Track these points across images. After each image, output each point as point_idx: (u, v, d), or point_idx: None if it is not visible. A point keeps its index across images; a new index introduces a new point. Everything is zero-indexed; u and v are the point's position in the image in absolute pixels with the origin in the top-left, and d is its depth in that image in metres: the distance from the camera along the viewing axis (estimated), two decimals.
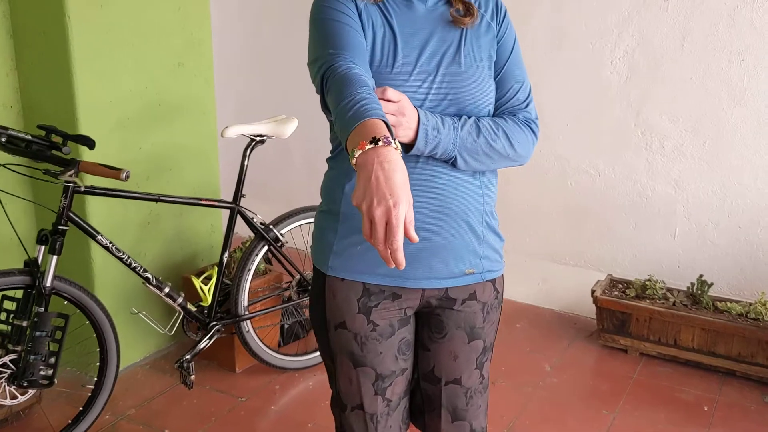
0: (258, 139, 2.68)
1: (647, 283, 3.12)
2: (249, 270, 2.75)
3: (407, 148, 1.39)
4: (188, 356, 2.58)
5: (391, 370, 1.53)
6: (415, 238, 1.10)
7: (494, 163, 1.48)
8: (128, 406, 2.71)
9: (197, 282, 2.69)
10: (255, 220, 2.74)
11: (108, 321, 2.41)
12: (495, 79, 1.50)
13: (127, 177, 2.10)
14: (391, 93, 1.34)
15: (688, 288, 3.11)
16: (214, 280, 2.71)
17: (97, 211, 2.73)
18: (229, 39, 4.33)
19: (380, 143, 1.10)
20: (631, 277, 3.35)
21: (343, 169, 1.48)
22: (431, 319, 1.57)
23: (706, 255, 3.28)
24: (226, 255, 2.70)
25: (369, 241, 1.10)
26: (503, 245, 1.60)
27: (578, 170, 3.48)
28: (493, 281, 1.58)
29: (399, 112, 1.34)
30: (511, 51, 1.52)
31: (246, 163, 2.70)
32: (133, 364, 3.00)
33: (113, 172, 2.11)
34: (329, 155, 1.55)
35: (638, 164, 3.36)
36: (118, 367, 2.48)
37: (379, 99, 1.30)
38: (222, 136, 2.59)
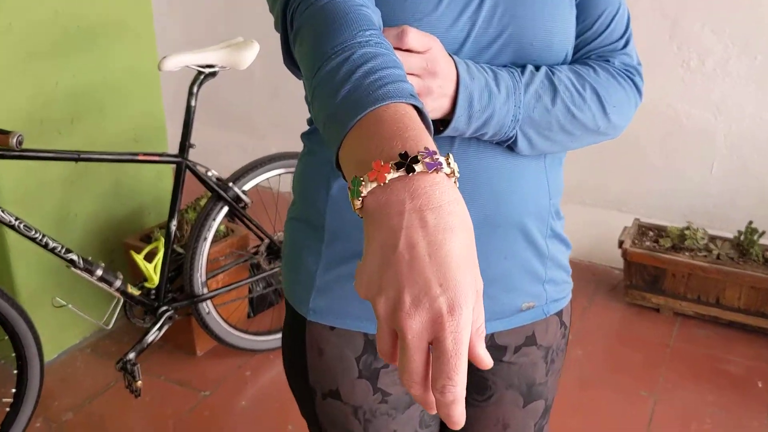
0: (208, 71, 2.06)
1: (686, 231, 2.62)
2: (205, 239, 2.18)
3: (439, 124, 0.82)
4: (131, 355, 2.04)
5: None
6: (489, 363, 0.55)
7: (574, 142, 0.92)
8: (65, 408, 2.19)
9: (139, 259, 2.12)
10: (209, 175, 2.15)
11: (21, 316, 1.86)
12: (576, 3, 0.91)
13: (20, 143, 1.49)
14: (413, 37, 0.75)
15: (734, 237, 2.63)
16: (160, 254, 2.14)
17: (5, 173, 2.12)
18: None
19: (418, 167, 0.53)
20: (659, 221, 2.86)
21: (327, 157, 0.91)
22: (471, 377, 1.02)
23: (753, 194, 2.77)
24: (174, 223, 2.12)
25: (391, 364, 0.56)
26: (569, 253, 1.07)
27: None
28: (559, 313, 1.05)
29: (428, 70, 0.77)
30: None
31: (194, 103, 2.08)
32: (70, 347, 2.47)
33: (1, 137, 1.50)
34: (305, 130, 0.98)
35: (672, 85, 2.79)
36: (42, 368, 1.94)
37: (394, 48, 0.71)
38: (159, 69, 1.97)
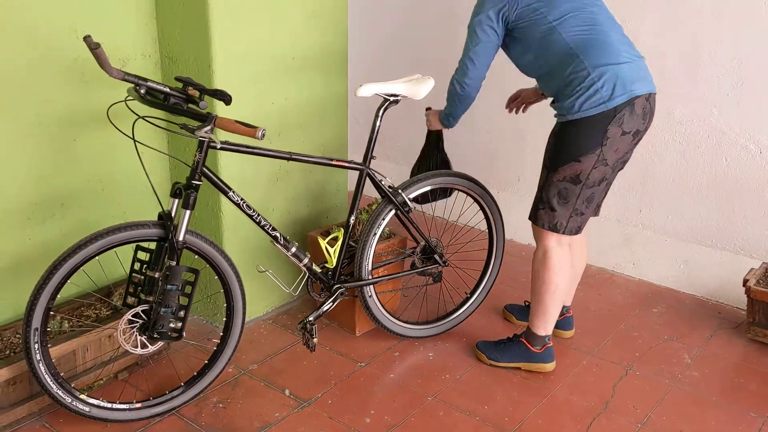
0: (392, 99, 2.57)
1: None
2: (375, 234, 2.66)
3: None
4: (311, 318, 2.54)
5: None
6: None
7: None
8: (251, 361, 2.72)
9: (323, 243, 2.63)
10: (383, 182, 2.64)
11: (236, 278, 2.40)
12: None
13: (263, 135, 2.03)
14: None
15: None
16: (340, 242, 2.64)
17: (228, 165, 2.71)
18: None
19: None
20: None
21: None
22: None
23: None
24: (353, 217, 2.63)
25: None
26: None
27: (735, 144, 3.14)
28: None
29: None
30: None
31: (378, 123, 2.59)
32: (256, 318, 3.02)
33: (249, 129, 2.05)
34: None
35: None
36: (243, 323, 2.48)
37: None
38: (356, 94, 2.49)
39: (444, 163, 2.91)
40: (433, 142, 2.89)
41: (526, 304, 3.00)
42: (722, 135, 3.16)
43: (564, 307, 2.85)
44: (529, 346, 2.64)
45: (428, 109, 2.87)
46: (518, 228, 3.73)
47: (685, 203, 3.33)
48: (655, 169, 3.36)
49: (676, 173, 3.32)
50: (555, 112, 2.46)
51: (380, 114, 2.59)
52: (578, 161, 2.36)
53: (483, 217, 2.93)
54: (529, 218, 2.58)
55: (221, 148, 2.22)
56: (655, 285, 3.39)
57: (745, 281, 2.87)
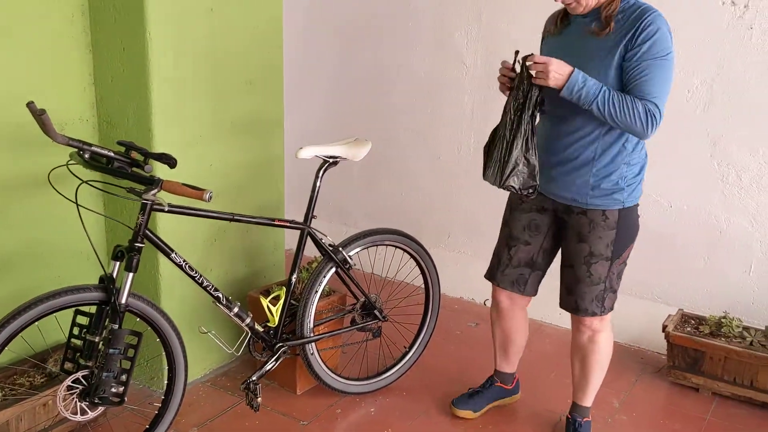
0: (331, 160, 2.66)
1: (723, 320, 3.01)
2: (316, 291, 2.71)
3: (557, 91, 2.14)
4: (255, 377, 2.55)
5: (517, 236, 2.49)
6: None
7: (614, 124, 2.18)
8: (191, 424, 2.69)
9: (265, 302, 2.66)
10: (324, 241, 2.71)
11: (178, 339, 2.40)
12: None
13: (210, 198, 2.08)
14: (536, 57, 2.14)
15: (766, 327, 2.99)
16: (282, 300, 2.68)
17: (167, 227, 2.72)
18: (299, 62, 4.33)
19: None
20: (702, 313, 3.24)
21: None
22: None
23: None
24: (294, 276, 2.67)
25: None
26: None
27: (649, 200, 3.38)
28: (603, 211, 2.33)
29: (546, 67, 2.12)
30: None
31: (318, 184, 2.68)
32: (195, 380, 2.98)
33: (196, 192, 2.09)
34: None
35: (713, 196, 3.25)
36: (185, 385, 2.46)
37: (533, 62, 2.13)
38: (296, 156, 2.57)
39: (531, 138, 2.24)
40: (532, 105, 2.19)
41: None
42: None
43: (512, 373, 2.90)
44: (580, 419, 2.64)
45: (529, 56, 2.16)
46: (449, 283, 3.85)
47: None
48: None
49: None
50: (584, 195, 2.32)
51: (320, 175, 2.68)
52: (633, 241, 2.40)
53: (419, 272, 3.03)
54: (593, 314, 2.42)
55: (168, 211, 2.25)
56: None
57: (664, 327, 3.06)
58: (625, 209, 2.32)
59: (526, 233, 2.49)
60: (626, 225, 2.34)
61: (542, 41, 2.45)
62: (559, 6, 2.33)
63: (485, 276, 2.66)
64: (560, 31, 2.33)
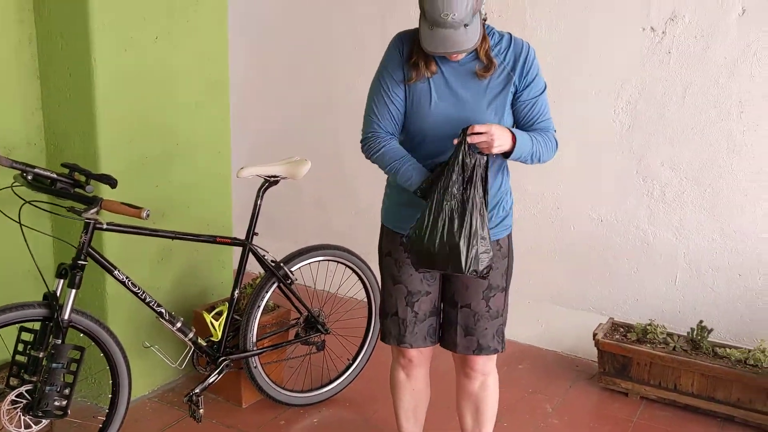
0: (272, 179, 2.78)
1: (648, 327, 3.18)
2: (259, 306, 2.82)
3: (503, 156, 2.08)
4: (198, 390, 2.64)
5: (417, 290, 2.23)
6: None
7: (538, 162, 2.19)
8: None
9: (208, 317, 2.76)
10: (266, 257, 2.82)
11: (122, 354, 2.48)
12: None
13: (148, 216, 2.19)
14: (477, 128, 1.95)
15: (688, 333, 3.17)
16: (224, 316, 2.77)
17: (113, 246, 2.81)
18: (245, 83, 4.46)
19: None
20: (632, 321, 3.41)
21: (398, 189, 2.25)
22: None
23: (706, 301, 3.34)
24: (237, 291, 2.78)
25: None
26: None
27: (580, 215, 3.57)
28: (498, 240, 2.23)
29: (489, 138, 1.95)
30: None
31: (259, 202, 2.79)
32: (141, 396, 3.05)
33: (134, 210, 2.20)
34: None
35: (640, 211, 3.44)
36: (129, 399, 2.54)
37: (472, 133, 1.94)
38: (237, 176, 2.69)
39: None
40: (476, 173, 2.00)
41: None
42: (569, 207, 3.58)
43: None
44: None
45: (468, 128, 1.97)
46: None
47: (542, 268, 3.69)
48: (515, 237, 3.72)
49: (532, 242, 3.69)
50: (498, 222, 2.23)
51: (261, 194, 2.80)
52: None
53: (362, 286, 3.15)
54: (494, 351, 2.27)
55: (107, 229, 2.34)
56: (521, 344, 3.70)
57: (595, 335, 3.22)
58: (510, 235, 2.28)
59: (424, 284, 2.24)
60: (512, 251, 2.29)
61: (399, 86, 2.11)
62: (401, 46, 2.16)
63: (393, 344, 2.34)
64: (431, 76, 2.06)
